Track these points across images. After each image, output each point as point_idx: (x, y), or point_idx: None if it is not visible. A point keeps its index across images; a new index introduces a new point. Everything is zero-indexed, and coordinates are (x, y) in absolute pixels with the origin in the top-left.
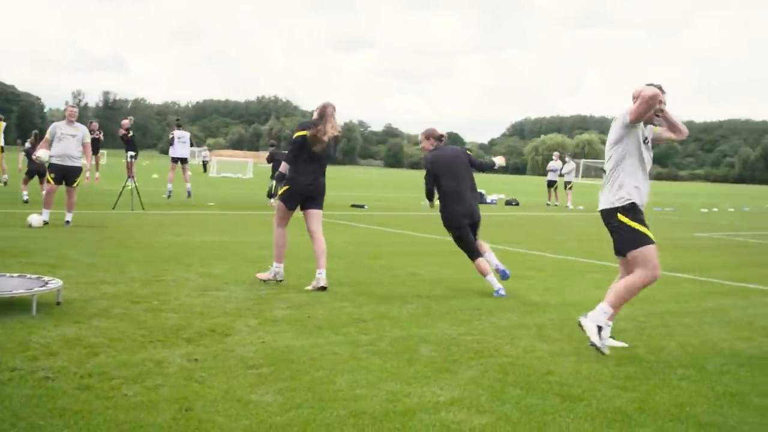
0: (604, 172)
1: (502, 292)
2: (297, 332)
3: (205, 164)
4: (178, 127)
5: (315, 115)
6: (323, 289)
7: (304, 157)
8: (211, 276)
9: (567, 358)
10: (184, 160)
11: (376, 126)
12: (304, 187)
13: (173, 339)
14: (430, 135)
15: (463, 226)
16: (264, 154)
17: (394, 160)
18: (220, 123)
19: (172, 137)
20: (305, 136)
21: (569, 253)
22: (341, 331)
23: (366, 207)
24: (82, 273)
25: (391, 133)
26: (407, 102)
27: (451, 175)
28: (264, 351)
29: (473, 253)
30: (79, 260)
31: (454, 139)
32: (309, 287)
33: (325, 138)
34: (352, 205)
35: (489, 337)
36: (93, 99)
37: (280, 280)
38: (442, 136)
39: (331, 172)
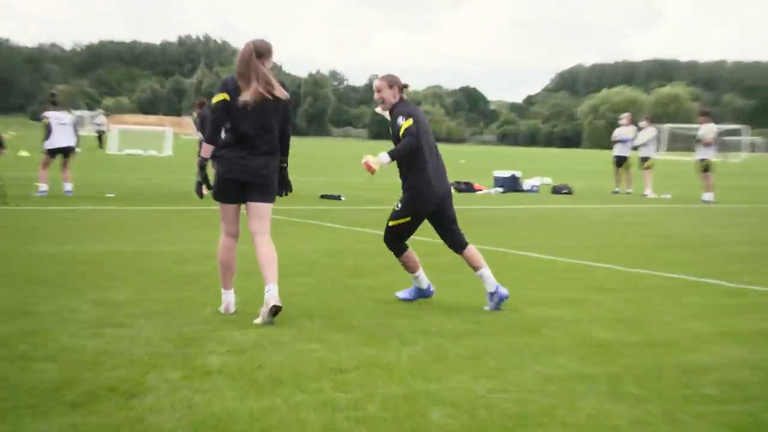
0: None
1: (432, 288)
2: (242, 390)
3: (100, 136)
4: (54, 104)
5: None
6: (276, 311)
7: (233, 130)
8: (111, 304)
9: (658, 429)
10: (66, 151)
11: (356, 79)
12: (232, 168)
13: (50, 404)
14: (394, 83)
15: (429, 213)
16: (189, 121)
17: (383, 127)
18: (122, 75)
19: (48, 123)
20: (225, 100)
21: (652, 266)
22: (309, 388)
23: (343, 198)
24: None
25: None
26: (400, 43)
27: (428, 142)
28: (191, 420)
29: (403, 247)
30: None
31: (473, 96)
32: (258, 320)
33: (248, 99)
34: (323, 196)
35: (534, 395)
36: None
37: (231, 312)
38: (406, 85)
39: (291, 147)
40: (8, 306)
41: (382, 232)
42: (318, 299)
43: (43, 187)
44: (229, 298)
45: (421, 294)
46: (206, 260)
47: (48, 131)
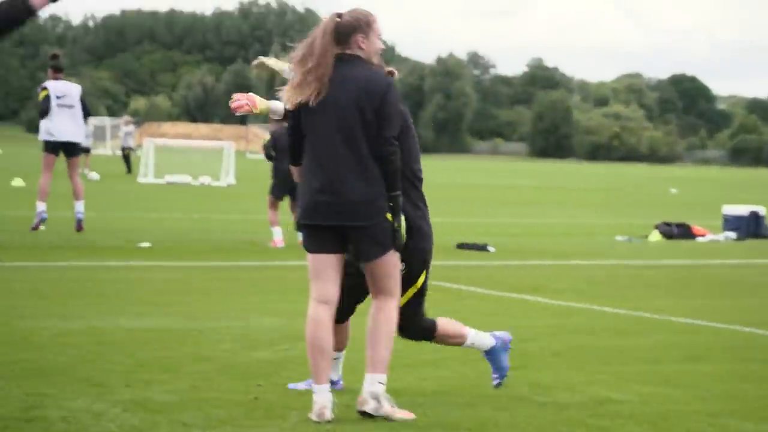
0: None
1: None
2: None
3: (127, 156)
4: (56, 70)
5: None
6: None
7: (310, 146)
8: (152, 407)
9: None
10: (71, 148)
11: (508, 65)
12: (308, 206)
13: None
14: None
15: None
16: (260, 132)
17: (553, 139)
18: (158, 63)
19: (47, 95)
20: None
21: None
22: None
23: (491, 249)
24: None
25: (543, 77)
26: (575, 12)
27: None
28: None
29: (430, 321)
30: None
31: (690, 89)
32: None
33: (308, 98)
34: (461, 246)
35: None
36: None
37: (328, 420)
38: (392, 73)
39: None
40: (7, 407)
41: (555, 302)
42: (459, 402)
43: (41, 206)
44: (323, 399)
45: (502, 373)
46: (288, 342)
47: (44, 110)
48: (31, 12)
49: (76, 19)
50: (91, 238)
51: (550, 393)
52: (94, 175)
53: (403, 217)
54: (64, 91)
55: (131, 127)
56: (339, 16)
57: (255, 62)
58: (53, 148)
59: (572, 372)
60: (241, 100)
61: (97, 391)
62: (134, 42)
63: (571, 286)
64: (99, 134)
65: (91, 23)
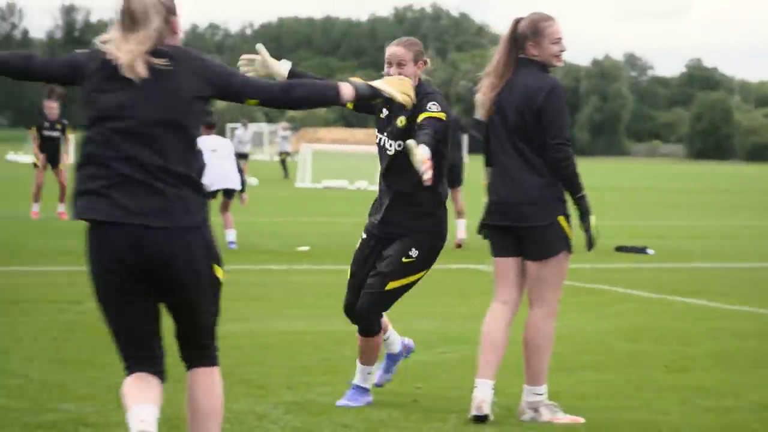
0: None
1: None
2: None
3: (284, 161)
4: (208, 127)
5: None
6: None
7: (491, 149)
8: (311, 409)
9: None
10: (228, 191)
11: (666, 66)
12: (487, 206)
13: None
14: (422, 55)
15: None
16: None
17: (712, 140)
18: (314, 69)
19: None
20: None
21: None
22: None
23: (650, 252)
24: None
25: (701, 77)
26: (736, 11)
27: None
28: None
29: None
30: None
31: None
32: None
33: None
34: (620, 249)
35: None
36: (40, 22)
37: (484, 415)
38: (426, 62)
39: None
40: (165, 410)
41: (712, 302)
42: (620, 406)
43: None
44: (484, 393)
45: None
46: (446, 344)
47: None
48: (339, 103)
49: (234, 27)
50: (250, 242)
51: (714, 397)
52: (253, 180)
53: (593, 218)
54: (215, 144)
55: (287, 132)
56: (518, 21)
57: (248, 56)
58: (210, 194)
59: (737, 376)
60: (430, 170)
61: (259, 393)
62: (291, 49)
63: (734, 289)
64: (257, 140)
65: (248, 31)
